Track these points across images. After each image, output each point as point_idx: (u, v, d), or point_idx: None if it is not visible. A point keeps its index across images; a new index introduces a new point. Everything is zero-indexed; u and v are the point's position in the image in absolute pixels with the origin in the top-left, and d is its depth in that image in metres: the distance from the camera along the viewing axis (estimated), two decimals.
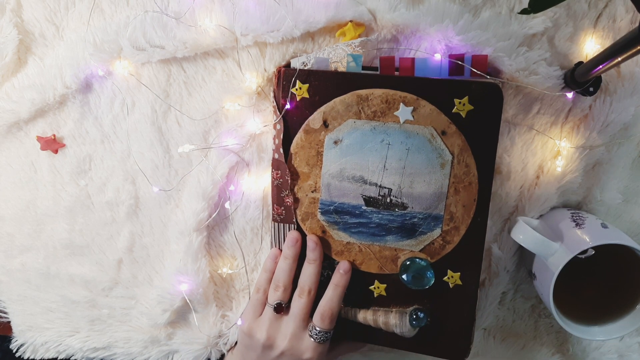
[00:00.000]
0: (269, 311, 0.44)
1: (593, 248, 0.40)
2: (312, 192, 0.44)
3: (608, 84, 0.43)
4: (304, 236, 0.45)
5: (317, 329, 0.43)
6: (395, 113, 0.41)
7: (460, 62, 0.40)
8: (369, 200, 0.43)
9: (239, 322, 0.46)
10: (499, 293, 0.48)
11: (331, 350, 0.46)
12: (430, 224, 0.43)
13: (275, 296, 0.44)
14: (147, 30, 0.43)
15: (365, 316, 0.45)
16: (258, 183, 0.47)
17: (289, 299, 0.44)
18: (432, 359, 0.46)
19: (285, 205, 0.44)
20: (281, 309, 0.43)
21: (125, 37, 0.43)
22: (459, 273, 0.43)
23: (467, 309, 0.44)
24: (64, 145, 0.48)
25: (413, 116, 0.41)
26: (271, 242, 0.47)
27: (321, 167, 0.43)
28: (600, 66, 0.36)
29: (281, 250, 0.45)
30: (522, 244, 0.42)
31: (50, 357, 0.55)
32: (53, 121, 0.47)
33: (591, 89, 0.42)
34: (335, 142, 0.42)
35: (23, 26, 0.45)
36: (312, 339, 0.42)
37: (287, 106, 0.42)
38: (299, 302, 0.43)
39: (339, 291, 0.43)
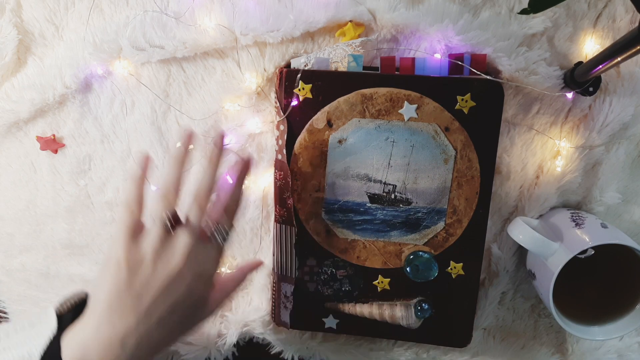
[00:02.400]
0: (156, 229, 0.35)
1: (593, 248, 0.40)
2: (316, 191, 0.44)
3: (608, 83, 0.43)
4: (302, 229, 0.45)
5: (222, 227, 0.37)
6: (400, 111, 0.41)
7: (459, 62, 0.41)
8: (373, 198, 0.43)
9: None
10: (498, 293, 0.48)
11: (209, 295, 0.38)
12: (434, 217, 0.44)
13: (164, 209, 0.36)
14: (146, 30, 0.43)
15: (370, 311, 0.46)
16: (258, 183, 0.47)
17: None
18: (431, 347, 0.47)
19: (287, 206, 0.44)
20: (177, 221, 0.36)
21: (125, 37, 0.43)
22: (462, 263, 0.45)
23: (469, 298, 0.46)
24: (63, 145, 0.48)
25: (417, 114, 0.41)
26: (273, 243, 0.47)
27: (325, 167, 0.43)
28: (600, 66, 0.36)
29: (146, 163, 0.38)
30: (521, 244, 0.42)
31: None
32: (53, 121, 0.47)
33: (591, 89, 0.42)
34: (340, 141, 0.42)
35: (23, 26, 0.45)
36: (215, 245, 0.37)
37: (294, 102, 0.42)
38: (196, 211, 0.36)
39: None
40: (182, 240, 0.35)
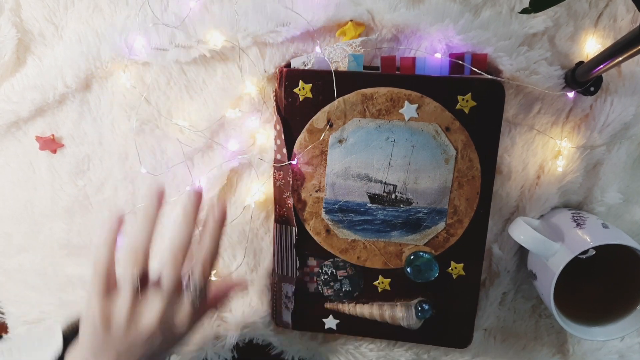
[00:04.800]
0: (127, 292, 0.36)
1: (594, 248, 0.40)
2: (316, 191, 0.44)
3: (609, 83, 0.43)
4: (302, 229, 0.44)
5: (196, 285, 0.37)
6: (400, 111, 0.41)
7: (460, 62, 0.41)
8: (374, 198, 0.43)
9: None
10: (499, 293, 0.48)
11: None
12: (434, 218, 0.43)
13: (133, 271, 0.36)
14: (146, 32, 0.43)
15: (371, 311, 0.46)
16: (258, 183, 0.47)
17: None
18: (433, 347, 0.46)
19: (287, 206, 0.44)
20: (147, 282, 0.37)
21: (124, 38, 0.43)
22: (462, 264, 0.45)
23: (470, 298, 0.46)
24: (62, 145, 0.48)
25: (418, 113, 0.41)
26: (273, 243, 0.46)
27: (325, 167, 0.43)
28: (601, 66, 0.36)
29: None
30: (522, 244, 0.41)
31: None
32: (52, 121, 0.47)
33: (592, 89, 0.42)
34: (340, 141, 0.42)
35: (22, 25, 0.45)
36: (190, 302, 0.37)
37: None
38: (170, 270, 0.36)
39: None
40: (153, 305, 0.36)
